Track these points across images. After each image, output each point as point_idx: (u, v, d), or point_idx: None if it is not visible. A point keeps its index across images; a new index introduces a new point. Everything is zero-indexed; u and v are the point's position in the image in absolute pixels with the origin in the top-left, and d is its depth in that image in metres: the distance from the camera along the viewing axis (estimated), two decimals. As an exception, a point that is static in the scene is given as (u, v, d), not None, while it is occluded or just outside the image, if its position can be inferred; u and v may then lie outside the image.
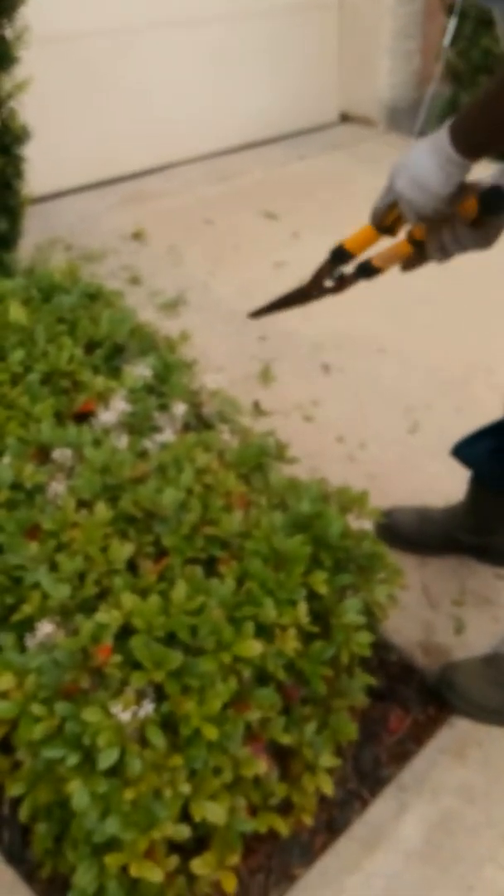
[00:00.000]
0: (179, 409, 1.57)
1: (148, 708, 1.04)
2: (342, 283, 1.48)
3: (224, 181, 4.42)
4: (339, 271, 1.47)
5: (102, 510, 1.27)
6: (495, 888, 1.38)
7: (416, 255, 1.39)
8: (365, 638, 1.24)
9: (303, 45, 4.95)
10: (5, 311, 1.71)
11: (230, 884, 1.15)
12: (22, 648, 1.14)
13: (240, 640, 1.12)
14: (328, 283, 1.50)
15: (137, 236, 3.77)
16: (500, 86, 1.11)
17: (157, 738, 1.03)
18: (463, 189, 1.25)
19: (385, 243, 1.41)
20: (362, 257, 1.44)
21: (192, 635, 1.12)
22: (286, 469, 1.56)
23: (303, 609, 1.19)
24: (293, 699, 1.23)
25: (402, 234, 1.38)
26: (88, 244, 3.66)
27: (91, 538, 1.23)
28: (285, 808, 1.26)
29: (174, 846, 1.12)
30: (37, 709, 1.06)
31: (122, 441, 1.45)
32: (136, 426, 1.52)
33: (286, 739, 1.20)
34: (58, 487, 1.33)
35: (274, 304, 1.59)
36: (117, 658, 1.08)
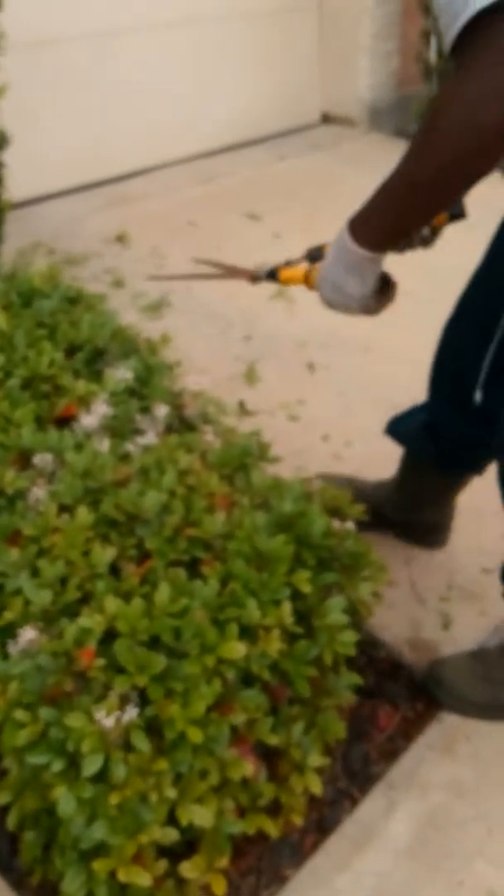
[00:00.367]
0: (161, 411, 1.57)
1: (132, 712, 1.03)
2: (254, 280, 1.58)
3: (206, 183, 4.42)
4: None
5: (84, 514, 1.27)
6: (485, 883, 1.38)
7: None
8: (349, 637, 1.24)
9: (283, 46, 4.95)
10: (-15, 316, 1.71)
11: (220, 887, 1.15)
12: (4, 655, 1.13)
13: (223, 641, 1.12)
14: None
15: (120, 239, 3.76)
16: (404, 175, 1.11)
17: (142, 743, 1.03)
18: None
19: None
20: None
21: (176, 638, 1.11)
22: (271, 468, 1.56)
23: (287, 609, 1.19)
24: (280, 699, 1.23)
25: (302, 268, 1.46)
26: (71, 248, 3.65)
27: (73, 543, 1.22)
28: (274, 808, 1.25)
29: (163, 850, 1.11)
30: (20, 714, 1.06)
31: (104, 445, 1.44)
32: (118, 429, 1.52)
33: (273, 740, 1.19)
34: (39, 493, 1.33)
35: (184, 276, 1.68)
36: (101, 662, 1.08)
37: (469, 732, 1.62)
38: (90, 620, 1.10)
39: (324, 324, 3.05)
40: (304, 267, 1.44)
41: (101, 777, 1.02)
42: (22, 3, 2.98)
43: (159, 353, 1.83)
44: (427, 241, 1.43)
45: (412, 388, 2.70)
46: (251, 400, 2.63)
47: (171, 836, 1.07)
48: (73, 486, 1.32)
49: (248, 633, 1.16)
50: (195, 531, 1.27)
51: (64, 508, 1.31)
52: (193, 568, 1.25)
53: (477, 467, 1.84)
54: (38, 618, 1.15)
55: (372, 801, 1.49)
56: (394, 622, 1.86)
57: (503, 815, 1.49)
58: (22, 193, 3.41)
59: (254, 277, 1.56)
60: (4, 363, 1.59)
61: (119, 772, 1.01)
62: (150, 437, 1.49)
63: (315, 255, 1.43)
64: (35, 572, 1.21)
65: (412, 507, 2.01)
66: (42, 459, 1.39)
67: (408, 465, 1.98)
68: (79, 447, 1.43)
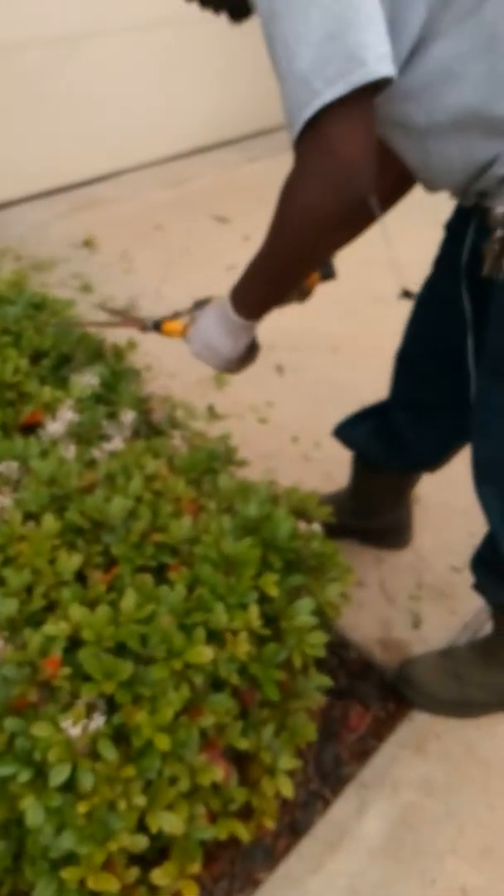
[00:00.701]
0: (128, 416, 1.57)
1: (98, 720, 1.03)
2: (144, 329, 1.63)
3: (174, 186, 4.41)
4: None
5: (50, 522, 1.26)
6: (457, 880, 1.39)
7: None
8: (318, 638, 1.25)
9: (250, 48, 4.94)
10: None
11: (192, 893, 1.14)
12: (-30, 666, 1.13)
13: (191, 646, 1.12)
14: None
15: (88, 244, 3.75)
16: (266, 256, 1.22)
17: (109, 751, 1.02)
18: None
19: None
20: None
21: (143, 644, 1.11)
22: (241, 472, 1.56)
23: (254, 612, 1.19)
24: (249, 703, 1.23)
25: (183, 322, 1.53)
26: (38, 253, 3.63)
27: (38, 551, 1.22)
28: (246, 812, 1.26)
29: (134, 857, 1.11)
30: (-14, 725, 1.05)
31: (70, 451, 1.44)
32: (85, 436, 1.52)
33: (244, 744, 1.19)
34: (4, 501, 1.32)
35: (101, 323, 1.77)
36: (66, 671, 1.07)
37: (439, 731, 1.63)
38: (55, 628, 1.10)
39: (292, 326, 3.06)
40: (185, 321, 1.53)
41: (69, 786, 1.02)
42: (-16, 7, 2.96)
43: (126, 359, 1.83)
44: (303, 297, 1.56)
45: (380, 389, 2.72)
46: (220, 403, 2.63)
47: (140, 843, 1.06)
48: (38, 493, 1.32)
49: (215, 637, 1.16)
50: (162, 537, 1.27)
51: (29, 516, 1.30)
52: (161, 573, 1.25)
53: (433, 466, 1.86)
54: (3, 627, 1.14)
55: (344, 801, 1.50)
56: (364, 622, 1.87)
57: (474, 812, 1.50)
58: (-13, 199, 3.39)
59: (143, 327, 1.63)
60: (-32, 371, 1.58)
61: (86, 780, 1.01)
62: (116, 443, 1.48)
63: (200, 306, 1.50)
64: (1, 581, 1.20)
65: (369, 512, 2.03)
66: (7, 467, 1.38)
67: (358, 468, 2.00)
68: (44, 454, 1.42)
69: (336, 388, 2.71)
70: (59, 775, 0.99)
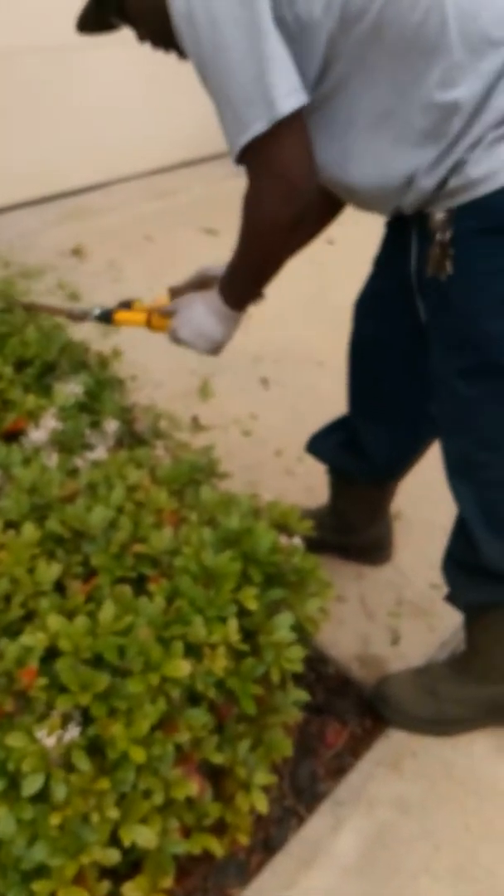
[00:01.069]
0: (111, 426, 1.56)
1: (73, 732, 1.02)
2: (76, 319, 1.79)
3: (163, 198, 4.43)
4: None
5: (30, 531, 1.25)
6: (430, 900, 1.39)
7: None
8: (296, 653, 1.24)
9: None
10: None
11: (164, 907, 1.14)
12: None
13: (168, 660, 1.11)
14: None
15: (76, 253, 3.75)
16: (241, 256, 1.39)
17: (83, 763, 1.01)
18: None
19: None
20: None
21: (120, 656, 1.11)
22: (223, 484, 1.56)
23: (233, 626, 1.18)
24: (226, 717, 1.22)
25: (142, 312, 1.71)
26: (26, 261, 3.62)
27: (18, 559, 1.21)
28: (220, 827, 1.25)
29: (107, 871, 1.10)
30: (-40, 735, 1.04)
31: (53, 460, 1.43)
32: (67, 444, 1.51)
33: (219, 759, 1.19)
34: (-16, 508, 1.31)
35: (44, 307, 1.86)
36: (42, 681, 1.06)
37: (416, 749, 1.63)
38: (32, 639, 1.09)
39: (278, 339, 3.08)
40: (143, 312, 1.70)
41: (42, 797, 1.01)
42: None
43: (111, 368, 1.83)
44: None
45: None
46: (205, 415, 2.63)
47: (112, 856, 1.05)
48: (19, 501, 1.31)
49: (193, 650, 1.15)
50: (142, 547, 1.26)
51: (10, 524, 1.29)
52: (140, 585, 1.24)
53: (397, 473, 1.89)
54: (-20, 636, 1.13)
55: (319, 818, 1.49)
56: (343, 638, 1.87)
57: (449, 831, 1.49)
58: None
59: (73, 317, 1.77)
60: (-48, 377, 1.57)
61: (60, 792, 1.00)
62: (99, 453, 1.48)
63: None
64: (-22, 590, 1.19)
65: (348, 528, 2.04)
66: (-12, 474, 1.37)
67: (333, 482, 2.02)
68: (27, 462, 1.41)
69: (321, 402, 2.71)
70: (32, 785, 0.99)
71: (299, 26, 1.17)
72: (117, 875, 1.12)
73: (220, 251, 4.12)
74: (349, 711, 1.70)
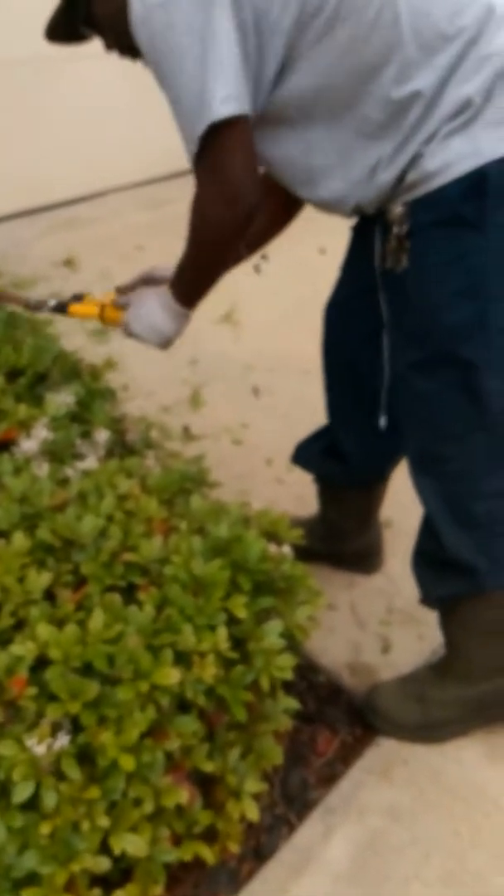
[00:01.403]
0: (102, 436, 1.57)
1: (63, 740, 1.03)
2: (33, 309, 1.82)
3: (155, 208, 4.45)
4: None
5: (20, 539, 1.26)
6: (421, 906, 1.39)
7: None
8: (286, 661, 1.25)
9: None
10: None
11: (153, 915, 1.14)
12: None
13: (158, 667, 1.12)
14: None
15: (69, 263, 3.76)
16: (189, 257, 1.42)
17: (73, 771, 1.02)
18: None
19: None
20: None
21: (110, 665, 1.11)
22: (214, 493, 1.57)
23: (222, 634, 1.19)
24: (216, 725, 1.23)
25: (94, 304, 1.72)
26: (19, 271, 3.63)
27: (8, 568, 1.22)
28: (211, 835, 1.25)
29: (98, 879, 1.10)
30: (-50, 744, 1.04)
31: (43, 469, 1.44)
32: (58, 454, 1.52)
33: (209, 766, 1.19)
34: (-25, 518, 1.32)
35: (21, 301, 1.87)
36: (32, 690, 1.07)
37: (406, 757, 1.63)
38: (21, 648, 1.09)
39: (269, 348, 3.09)
40: (96, 305, 1.71)
41: (33, 806, 1.01)
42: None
43: (102, 378, 1.84)
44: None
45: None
46: (196, 424, 2.64)
47: (103, 864, 1.06)
48: (9, 510, 1.31)
49: (182, 658, 1.16)
50: (132, 556, 1.27)
51: (0, 534, 1.30)
52: (130, 593, 1.25)
53: (379, 476, 1.91)
54: (-30, 645, 1.14)
55: (310, 826, 1.49)
56: (334, 646, 1.88)
57: (439, 838, 1.50)
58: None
59: (30, 306, 1.80)
60: None
61: (50, 800, 1.00)
62: (90, 462, 1.48)
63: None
64: (-32, 599, 1.19)
65: (338, 536, 2.04)
66: (-21, 484, 1.38)
67: (320, 491, 2.03)
68: (17, 471, 1.42)
69: (312, 411, 2.71)
70: (22, 793, 0.99)
71: (258, 26, 1.20)
72: (108, 883, 1.12)
73: (211, 261, 4.08)
74: (340, 719, 1.70)
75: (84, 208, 4.40)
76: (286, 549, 1.34)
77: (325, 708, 1.72)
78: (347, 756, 1.63)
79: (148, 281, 1.71)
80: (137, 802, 1.09)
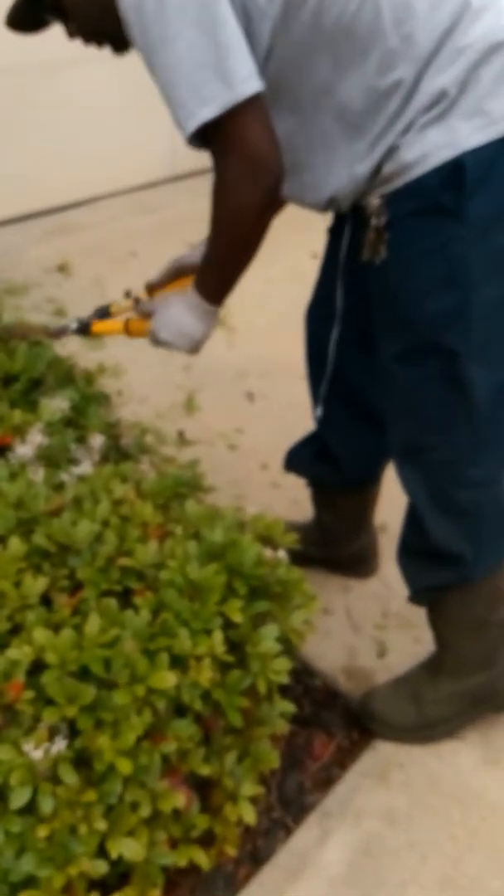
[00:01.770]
0: (97, 441, 1.57)
1: (60, 744, 1.03)
2: (55, 336, 1.80)
3: (149, 214, 4.45)
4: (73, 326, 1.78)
5: (16, 545, 1.26)
6: (417, 909, 1.39)
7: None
8: (282, 665, 1.25)
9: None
10: None
11: (151, 919, 1.14)
12: None
13: (154, 671, 1.12)
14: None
15: (62, 269, 3.76)
16: (217, 245, 1.38)
17: (69, 775, 1.02)
18: None
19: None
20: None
21: (106, 669, 1.11)
22: (210, 498, 1.57)
23: (218, 638, 1.19)
24: (212, 729, 1.23)
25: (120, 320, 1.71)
26: (12, 277, 3.63)
27: (4, 573, 1.22)
28: (207, 839, 1.25)
29: (95, 882, 1.10)
30: None
31: (39, 474, 1.44)
32: (53, 459, 1.52)
33: (206, 770, 1.19)
34: (-30, 523, 1.32)
35: (20, 331, 1.86)
36: (29, 694, 1.07)
37: (402, 760, 1.64)
38: (18, 652, 1.10)
39: (263, 353, 3.10)
40: (121, 319, 1.69)
41: (30, 810, 1.01)
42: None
43: (97, 383, 1.84)
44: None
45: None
46: (191, 429, 2.64)
47: (100, 868, 1.06)
48: (5, 516, 1.32)
49: (179, 662, 1.16)
50: (128, 561, 1.27)
51: (-4, 539, 1.30)
52: (126, 598, 1.25)
53: (370, 476, 1.92)
54: (-33, 650, 1.14)
55: (306, 830, 1.50)
56: (330, 650, 1.88)
57: (435, 842, 1.50)
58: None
59: (51, 334, 1.77)
60: None
61: (47, 804, 1.00)
62: (85, 467, 1.49)
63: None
64: (-35, 604, 1.19)
65: (333, 540, 2.05)
66: (-26, 490, 1.38)
67: (314, 495, 2.04)
68: (13, 477, 1.42)
69: (306, 416, 2.72)
70: (19, 798, 0.99)
71: (246, 12, 1.22)
72: (106, 886, 1.12)
73: (205, 267, 4.08)
74: (336, 723, 1.71)
75: (77, 214, 4.39)
76: (281, 554, 1.35)
77: (322, 712, 1.73)
78: (344, 760, 1.63)
79: (178, 271, 1.69)
80: (134, 806, 1.09)
